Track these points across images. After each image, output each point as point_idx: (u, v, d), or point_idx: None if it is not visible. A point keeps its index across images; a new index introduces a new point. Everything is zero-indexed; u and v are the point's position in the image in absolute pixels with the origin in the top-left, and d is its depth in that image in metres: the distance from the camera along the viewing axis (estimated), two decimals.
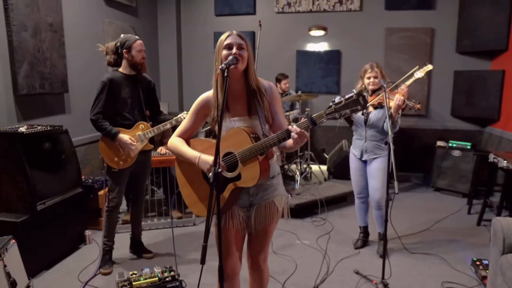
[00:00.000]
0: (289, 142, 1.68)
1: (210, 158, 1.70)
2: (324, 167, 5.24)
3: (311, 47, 5.75)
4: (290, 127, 1.57)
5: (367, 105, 2.95)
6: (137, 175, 3.10)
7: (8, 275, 2.44)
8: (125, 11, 5.00)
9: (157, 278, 2.62)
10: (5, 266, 2.43)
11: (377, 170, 3.13)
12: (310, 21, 5.55)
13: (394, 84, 3.25)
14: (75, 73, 3.95)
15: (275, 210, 1.87)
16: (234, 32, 1.75)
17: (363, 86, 3.17)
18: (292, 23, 5.74)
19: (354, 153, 3.28)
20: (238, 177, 1.71)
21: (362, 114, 3.11)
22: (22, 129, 2.85)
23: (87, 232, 3.44)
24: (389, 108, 3.01)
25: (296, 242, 3.55)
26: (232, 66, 1.67)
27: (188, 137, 1.91)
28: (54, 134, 3.10)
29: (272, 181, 1.87)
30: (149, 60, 5.75)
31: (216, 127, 1.79)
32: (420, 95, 5.31)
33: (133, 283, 2.57)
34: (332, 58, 5.65)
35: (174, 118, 2.98)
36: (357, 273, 2.94)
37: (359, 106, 1.47)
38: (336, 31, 5.58)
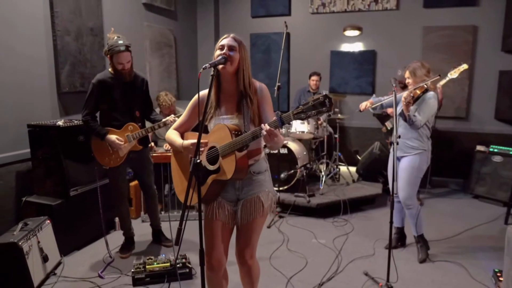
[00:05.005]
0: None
1: (191, 142, 1.83)
2: (353, 169, 5.16)
3: (345, 47, 5.69)
4: (262, 125, 1.64)
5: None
6: (137, 173, 3.29)
7: (41, 250, 2.77)
8: (164, 14, 5.32)
9: (169, 264, 2.82)
10: (38, 242, 2.77)
11: (402, 170, 3.10)
12: (344, 21, 5.50)
13: (423, 83, 3.11)
14: None
15: (260, 205, 1.94)
16: (231, 35, 1.87)
17: None
18: (326, 24, 5.72)
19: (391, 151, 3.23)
20: (218, 170, 1.82)
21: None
22: (60, 123, 3.19)
23: (117, 219, 3.74)
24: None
25: (312, 241, 3.57)
26: (221, 66, 1.80)
27: (183, 131, 2.05)
28: None
29: (258, 176, 1.95)
30: (188, 61, 6.09)
31: (207, 123, 1.93)
32: (459, 97, 5.04)
33: (147, 267, 2.79)
34: (367, 58, 5.54)
35: (163, 120, 3.04)
36: (366, 274, 2.91)
37: (324, 108, 1.51)
38: (372, 31, 5.46)
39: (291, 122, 1.60)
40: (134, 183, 4.01)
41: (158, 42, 5.12)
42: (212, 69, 1.75)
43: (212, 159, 1.85)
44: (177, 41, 5.62)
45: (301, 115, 1.54)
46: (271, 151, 4.38)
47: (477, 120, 5.14)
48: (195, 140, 1.79)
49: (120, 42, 2.87)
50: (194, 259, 2.99)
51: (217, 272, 2.01)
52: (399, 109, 2.89)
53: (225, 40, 1.85)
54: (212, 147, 1.86)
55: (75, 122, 3.33)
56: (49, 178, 3.20)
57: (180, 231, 1.54)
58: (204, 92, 1.98)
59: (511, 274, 2.19)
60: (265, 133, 1.61)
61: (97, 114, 3.09)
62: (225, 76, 1.86)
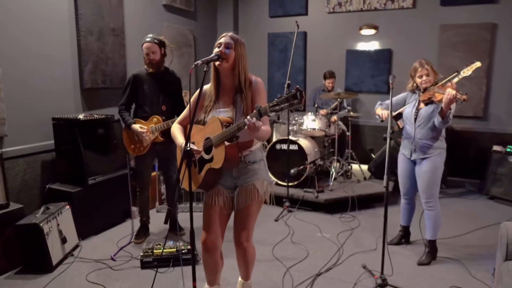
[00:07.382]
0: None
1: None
2: (364, 167, 5.18)
3: (361, 46, 5.71)
4: (248, 117, 1.77)
5: (419, 101, 2.97)
6: (161, 164, 3.53)
7: (60, 232, 3.03)
8: (184, 15, 5.54)
9: (175, 249, 3.01)
10: (58, 225, 3.03)
11: (425, 172, 3.01)
12: (360, 20, 5.52)
13: (446, 79, 3.11)
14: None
15: (255, 192, 2.08)
16: (229, 34, 2.02)
17: (414, 85, 3.08)
18: (342, 23, 5.76)
19: (403, 152, 3.19)
20: (212, 159, 1.97)
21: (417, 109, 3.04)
22: (80, 116, 3.45)
23: (133, 208, 3.97)
24: (438, 102, 2.91)
25: (317, 235, 3.66)
26: (217, 63, 1.95)
27: (187, 124, 2.22)
28: (107, 122, 3.67)
29: (253, 165, 2.09)
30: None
31: (206, 115, 2.09)
32: (476, 96, 4.95)
33: (155, 251, 2.99)
34: (382, 57, 5.54)
35: None
36: (364, 267, 2.98)
37: (296, 100, 1.62)
38: (388, 30, 5.46)
39: (269, 114, 1.72)
40: (152, 174, 4.22)
41: (177, 42, 5.34)
42: (206, 65, 1.90)
43: (208, 149, 2.01)
44: (197, 41, 5.83)
45: (276, 107, 1.67)
46: (279, 148, 4.54)
47: (495, 119, 5.03)
48: (193, 147, 1.95)
49: (149, 35, 3.20)
50: (198, 246, 3.15)
51: (211, 253, 2.16)
52: (431, 108, 2.90)
53: (222, 39, 2.00)
54: (207, 138, 2.01)
55: (95, 116, 3.58)
56: (70, 167, 3.47)
57: (169, 211, 1.70)
58: (206, 87, 2.14)
59: (502, 269, 2.21)
60: (247, 122, 1.74)
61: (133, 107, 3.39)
62: (223, 71, 2.02)
